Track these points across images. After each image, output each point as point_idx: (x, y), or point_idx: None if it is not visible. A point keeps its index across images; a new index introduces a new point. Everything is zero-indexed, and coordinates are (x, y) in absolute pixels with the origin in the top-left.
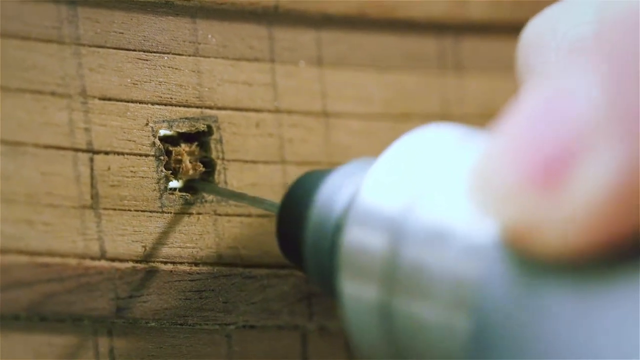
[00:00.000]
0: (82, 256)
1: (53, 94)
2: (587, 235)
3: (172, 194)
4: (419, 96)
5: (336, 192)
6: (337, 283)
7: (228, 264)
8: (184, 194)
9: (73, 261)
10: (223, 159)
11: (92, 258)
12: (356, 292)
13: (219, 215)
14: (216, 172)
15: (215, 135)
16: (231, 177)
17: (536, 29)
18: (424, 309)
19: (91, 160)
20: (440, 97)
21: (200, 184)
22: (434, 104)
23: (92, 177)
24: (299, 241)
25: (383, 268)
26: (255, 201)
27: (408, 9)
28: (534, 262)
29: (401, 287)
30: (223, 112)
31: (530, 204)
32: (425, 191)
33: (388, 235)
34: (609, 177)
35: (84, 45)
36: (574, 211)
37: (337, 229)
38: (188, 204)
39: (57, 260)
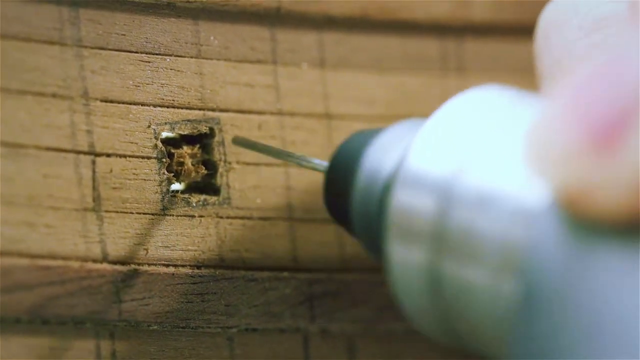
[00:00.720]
0: (84, 259)
1: (54, 95)
2: None
3: (174, 196)
4: (421, 97)
5: (384, 153)
6: (384, 245)
7: (230, 267)
8: (186, 196)
9: (75, 264)
10: (225, 161)
11: (94, 261)
12: (404, 254)
13: (221, 217)
14: (218, 175)
15: (217, 138)
16: (233, 179)
17: (557, 9)
18: (473, 271)
19: (93, 162)
20: (442, 98)
21: (242, 140)
22: (437, 105)
23: (94, 179)
24: (346, 202)
25: (432, 230)
26: (301, 159)
27: (410, 11)
28: (587, 226)
29: (450, 249)
30: (225, 114)
31: (587, 166)
32: (475, 153)
33: (437, 198)
34: None
35: (85, 47)
36: (629, 174)
37: (386, 190)
38: (190, 206)
39: (59, 262)
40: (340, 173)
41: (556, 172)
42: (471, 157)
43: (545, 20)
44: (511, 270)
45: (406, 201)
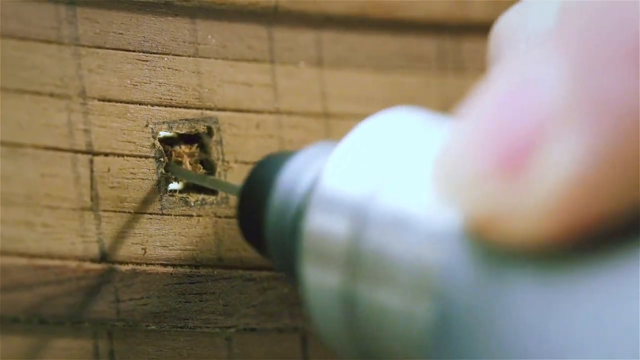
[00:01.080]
0: (82, 258)
1: (52, 94)
2: (551, 224)
3: (172, 195)
4: (419, 97)
5: (298, 175)
6: (299, 268)
7: (228, 267)
8: (184, 195)
9: (72, 263)
10: (223, 160)
11: (92, 260)
12: (318, 278)
13: (219, 217)
14: (216, 174)
15: (215, 137)
16: (231, 178)
17: (507, 23)
18: (387, 295)
19: (91, 161)
20: (440, 97)
21: (171, 166)
22: (434, 104)
23: (91, 178)
24: (260, 225)
25: (345, 254)
26: (216, 183)
27: (408, 10)
28: (499, 251)
29: (364, 273)
30: (223, 114)
31: (493, 192)
32: (388, 176)
33: (350, 221)
34: (572, 164)
35: (83, 45)
36: (537, 199)
37: (299, 213)
38: (188, 206)
39: (57, 262)
40: (254, 196)
41: (463, 199)
42: (384, 179)
43: (497, 32)
44: (425, 294)
45: (319, 224)
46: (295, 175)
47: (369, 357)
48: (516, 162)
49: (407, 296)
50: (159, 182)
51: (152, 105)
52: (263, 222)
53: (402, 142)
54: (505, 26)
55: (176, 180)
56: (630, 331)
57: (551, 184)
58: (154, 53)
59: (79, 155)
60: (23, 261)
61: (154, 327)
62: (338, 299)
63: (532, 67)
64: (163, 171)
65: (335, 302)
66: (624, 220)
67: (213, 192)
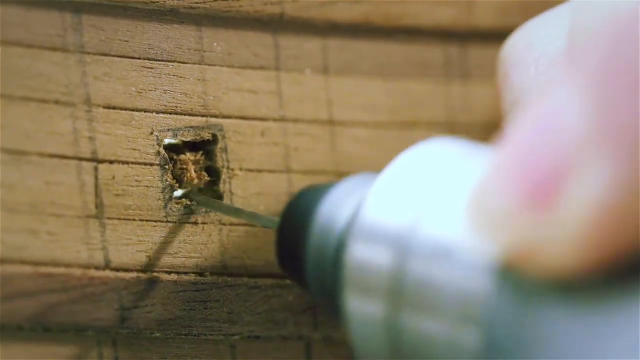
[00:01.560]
0: (86, 266)
1: (57, 102)
2: (583, 254)
3: (177, 203)
4: (425, 104)
5: (338, 207)
6: (341, 299)
7: (233, 274)
8: (189, 203)
9: (77, 271)
10: (228, 167)
11: (97, 268)
12: (361, 308)
13: (224, 224)
14: (221, 181)
15: (220, 144)
16: (236, 186)
17: (514, 45)
18: (431, 324)
19: (95, 169)
20: (446, 104)
21: (198, 196)
22: (440, 111)
23: (96, 186)
24: (299, 257)
25: (389, 283)
26: (252, 217)
27: (414, 17)
28: (535, 281)
29: (408, 302)
30: (228, 121)
31: (524, 225)
32: (429, 208)
33: (393, 251)
34: (600, 193)
35: (88, 53)
36: (567, 230)
37: (340, 244)
38: (193, 213)
39: (61, 270)
40: (293, 229)
41: (497, 234)
42: (425, 211)
43: (504, 57)
44: (470, 323)
45: (361, 255)
46: (334, 207)
47: None
48: (545, 195)
49: (453, 324)
50: (163, 189)
51: (157, 112)
52: (303, 254)
53: (442, 174)
54: (512, 49)
55: (181, 187)
56: None
57: (580, 214)
58: (159, 60)
59: (84, 163)
60: (27, 269)
61: (158, 334)
62: (382, 328)
63: (553, 96)
64: (170, 179)
65: (378, 331)
66: None
67: (218, 200)
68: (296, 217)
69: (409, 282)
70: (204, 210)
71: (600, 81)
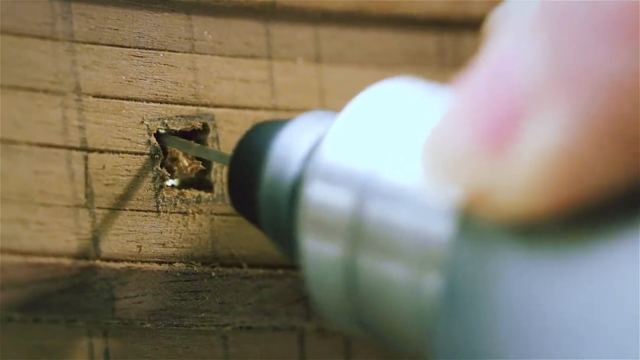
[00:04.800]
0: (77, 256)
1: (46, 91)
2: (538, 197)
3: (168, 193)
4: None
5: (293, 144)
6: (298, 238)
7: (224, 265)
8: (180, 192)
9: (67, 261)
10: None
11: (87, 258)
12: (319, 249)
13: (215, 215)
14: (212, 171)
15: (211, 133)
16: None
17: (494, 16)
18: (390, 266)
19: (85, 158)
20: None
21: (163, 136)
22: None
23: (86, 175)
24: (252, 195)
25: (347, 224)
26: (203, 151)
27: (408, 6)
28: (493, 225)
29: (366, 243)
30: (219, 110)
31: (480, 168)
32: (389, 149)
33: (353, 192)
34: (554, 135)
35: (77, 41)
36: (522, 173)
37: (296, 183)
38: (184, 203)
39: (51, 260)
40: (246, 165)
41: (454, 177)
42: (386, 151)
43: (487, 27)
44: (430, 265)
45: (320, 195)
46: (289, 144)
47: (368, 327)
48: (501, 137)
49: (411, 268)
50: (154, 179)
51: (148, 101)
52: (256, 193)
53: (402, 114)
54: (493, 19)
55: (172, 177)
56: (619, 305)
57: (535, 157)
58: (150, 49)
59: (74, 152)
60: (17, 259)
61: (149, 325)
62: (339, 268)
63: (511, 44)
64: (160, 169)
65: (335, 271)
66: (616, 191)
67: (209, 189)
68: (249, 152)
69: (368, 223)
70: (196, 199)
71: (556, 26)
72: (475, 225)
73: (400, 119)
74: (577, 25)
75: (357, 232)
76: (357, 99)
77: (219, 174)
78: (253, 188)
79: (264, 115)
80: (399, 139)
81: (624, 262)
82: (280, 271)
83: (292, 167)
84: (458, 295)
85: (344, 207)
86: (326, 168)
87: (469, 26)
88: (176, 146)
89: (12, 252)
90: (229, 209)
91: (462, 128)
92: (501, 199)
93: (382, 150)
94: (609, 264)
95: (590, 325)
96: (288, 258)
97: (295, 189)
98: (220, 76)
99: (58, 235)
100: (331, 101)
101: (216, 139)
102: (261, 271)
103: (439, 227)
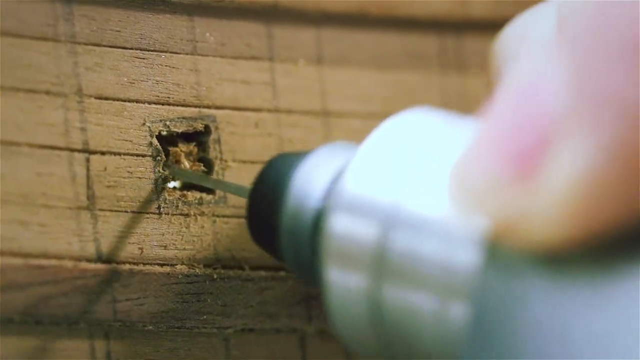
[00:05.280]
0: (78, 258)
1: (48, 92)
2: (566, 225)
3: (170, 195)
4: (419, 95)
5: (314, 175)
6: (321, 271)
7: (226, 267)
8: (182, 194)
9: (69, 263)
10: (221, 159)
11: (88, 260)
12: (343, 280)
13: (217, 216)
14: (214, 173)
15: (213, 135)
16: (229, 177)
17: (507, 37)
18: (415, 297)
19: (87, 160)
20: (441, 95)
21: (170, 166)
22: (435, 102)
23: (88, 177)
24: (273, 228)
25: (372, 255)
26: (221, 185)
27: (409, 7)
28: (520, 254)
29: (391, 275)
30: (221, 112)
31: (508, 197)
32: (413, 179)
33: (377, 223)
34: (583, 162)
35: (79, 43)
36: (549, 201)
37: (319, 214)
38: (186, 205)
39: (53, 262)
40: (265, 197)
41: (481, 206)
42: (410, 181)
43: (497, 51)
44: (457, 296)
45: (343, 226)
46: (310, 176)
47: (393, 358)
48: (528, 165)
49: (438, 298)
50: (156, 181)
51: (150, 103)
52: (276, 223)
53: (425, 144)
54: (506, 40)
55: (174, 179)
56: None
57: (563, 184)
58: (152, 51)
59: (75, 154)
60: (18, 261)
61: (151, 327)
62: (363, 299)
63: (536, 70)
64: (161, 170)
65: (360, 303)
66: None
67: (211, 191)
68: (269, 185)
69: (392, 254)
70: (198, 201)
71: (582, 49)
72: (501, 254)
73: (423, 149)
74: (600, 51)
75: (381, 263)
76: (378, 130)
77: (221, 176)
78: (273, 220)
79: (266, 117)
80: (422, 169)
81: None
82: (282, 273)
83: (314, 199)
84: (484, 323)
85: (368, 238)
86: (349, 199)
87: (470, 27)
88: (192, 180)
89: (13, 254)
90: (231, 211)
91: (489, 157)
92: (528, 228)
93: (405, 181)
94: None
95: (613, 354)
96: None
97: (317, 220)
98: (222, 78)
99: (59, 237)
100: (333, 103)
101: (218, 141)
102: (263, 273)
103: (465, 256)
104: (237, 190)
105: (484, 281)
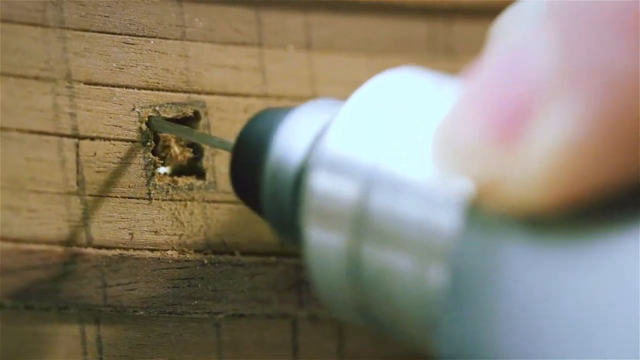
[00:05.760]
0: (68, 243)
1: (37, 78)
2: (547, 190)
3: (160, 180)
4: None
5: (297, 133)
6: (301, 227)
7: (217, 252)
8: (172, 180)
9: (59, 248)
10: None
11: (78, 245)
12: (323, 238)
13: (208, 202)
14: (204, 158)
15: (203, 121)
16: (219, 162)
17: (501, 26)
18: (395, 257)
19: (77, 145)
20: None
21: (155, 120)
22: None
23: (77, 162)
24: (255, 182)
25: (352, 214)
26: (204, 138)
27: None
28: (501, 216)
29: (371, 233)
30: (211, 97)
31: (490, 160)
32: (396, 139)
33: (358, 181)
34: (566, 129)
35: (68, 28)
36: (532, 166)
37: (301, 171)
38: (176, 190)
39: (43, 247)
40: (249, 152)
41: (463, 168)
42: (392, 141)
43: (493, 31)
44: (436, 257)
45: (325, 184)
46: (293, 132)
47: (371, 317)
48: (512, 129)
49: (417, 259)
50: (146, 166)
51: (139, 88)
52: (259, 180)
53: (409, 104)
54: (500, 29)
55: (164, 164)
56: (622, 298)
57: (546, 150)
58: (141, 36)
59: (65, 139)
60: (8, 246)
61: (141, 312)
62: (343, 257)
63: (524, 38)
64: (151, 155)
65: (339, 260)
66: (625, 187)
67: (201, 177)
68: (253, 139)
69: (373, 214)
70: (188, 186)
71: (568, 19)
72: (481, 216)
73: (407, 109)
74: (589, 20)
75: (361, 222)
76: (363, 89)
77: (211, 161)
78: (256, 175)
79: (255, 103)
80: (405, 129)
81: (628, 256)
82: (273, 258)
83: (296, 156)
84: (463, 286)
85: (348, 196)
86: (331, 157)
87: (460, 12)
88: (176, 133)
89: (3, 239)
90: (221, 196)
91: (473, 119)
92: (510, 191)
93: (388, 141)
94: (614, 258)
95: (593, 318)
96: (289, 245)
97: (299, 177)
98: (211, 63)
99: (49, 222)
100: (322, 88)
101: (207, 126)
102: (254, 259)
103: (445, 218)
104: (220, 144)
105: (464, 243)
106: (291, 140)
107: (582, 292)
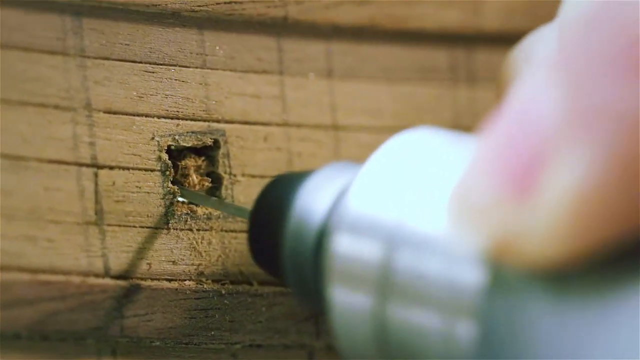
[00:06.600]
0: (86, 273)
1: (57, 107)
2: (562, 243)
3: (179, 210)
4: (430, 108)
5: (317, 195)
6: (324, 291)
7: (234, 282)
8: (190, 209)
9: (76, 279)
10: (230, 173)
11: (96, 275)
12: (347, 301)
13: (226, 231)
14: (223, 187)
15: (222, 150)
16: (238, 192)
17: (515, 57)
18: (421, 317)
19: (95, 175)
20: (452, 109)
21: (181, 190)
22: (446, 116)
23: (96, 192)
24: (274, 246)
25: (377, 275)
26: (224, 206)
27: (419, 20)
28: (523, 272)
29: (397, 294)
30: (230, 126)
31: (506, 216)
32: (415, 199)
33: (380, 242)
34: (578, 178)
35: (88, 57)
36: (545, 219)
37: (322, 235)
38: (194, 220)
39: (60, 277)
40: (267, 217)
41: (480, 225)
42: (413, 200)
43: (504, 70)
44: (464, 315)
45: (347, 247)
46: (312, 196)
47: None
48: (525, 183)
49: (444, 317)
50: (164, 195)
51: (159, 117)
52: (278, 244)
53: (427, 164)
54: (513, 59)
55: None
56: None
57: (558, 201)
58: (161, 64)
59: (84, 169)
60: (25, 276)
61: (158, 343)
62: (368, 319)
63: (531, 88)
64: (170, 185)
65: (365, 323)
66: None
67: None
68: (271, 205)
69: (396, 274)
70: (206, 216)
71: (575, 65)
72: (504, 273)
73: (425, 168)
74: (593, 63)
75: (386, 283)
76: (380, 149)
77: (230, 190)
78: (275, 241)
79: (275, 131)
80: (424, 188)
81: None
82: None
83: (316, 219)
84: (491, 342)
85: (371, 257)
86: (352, 219)
87: (481, 40)
88: (192, 199)
89: (21, 269)
90: (239, 226)
91: (487, 177)
92: (527, 245)
93: (408, 200)
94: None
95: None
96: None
97: (320, 241)
98: (231, 91)
99: (67, 253)
100: (343, 117)
101: (227, 155)
102: (271, 289)
103: (469, 275)
104: (237, 211)
105: (489, 300)
106: (311, 203)
107: (610, 343)
